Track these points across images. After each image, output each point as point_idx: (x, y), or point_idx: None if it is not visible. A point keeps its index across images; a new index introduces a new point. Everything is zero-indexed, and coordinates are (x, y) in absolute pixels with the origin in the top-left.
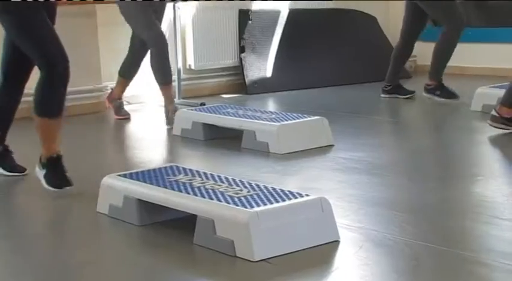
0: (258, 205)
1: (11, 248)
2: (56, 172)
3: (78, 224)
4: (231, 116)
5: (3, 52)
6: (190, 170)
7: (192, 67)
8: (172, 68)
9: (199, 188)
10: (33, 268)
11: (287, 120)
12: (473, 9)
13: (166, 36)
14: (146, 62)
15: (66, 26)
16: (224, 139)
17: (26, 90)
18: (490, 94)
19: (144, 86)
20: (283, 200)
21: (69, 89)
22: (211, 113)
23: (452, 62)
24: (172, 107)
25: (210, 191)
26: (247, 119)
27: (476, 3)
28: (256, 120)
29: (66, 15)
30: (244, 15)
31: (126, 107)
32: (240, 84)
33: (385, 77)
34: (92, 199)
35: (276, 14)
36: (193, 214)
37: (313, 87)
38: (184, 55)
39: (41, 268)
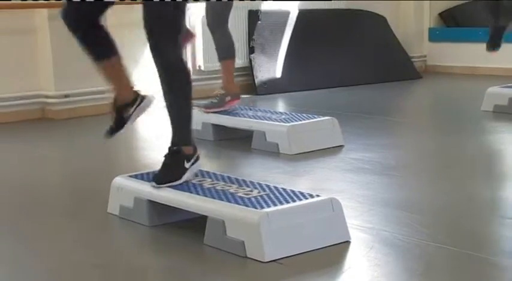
0: (269, 206)
1: (22, 249)
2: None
3: (89, 224)
4: (240, 116)
5: None
6: (201, 171)
7: (202, 68)
8: None
9: (209, 189)
10: (44, 269)
11: (297, 121)
12: (484, 9)
13: None
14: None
15: None
16: (234, 140)
17: (35, 92)
18: (500, 94)
19: (152, 87)
20: (294, 201)
21: (79, 90)
22: (221, 113)
23: (464, 62)
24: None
25: (220, 191)
26: (257, 120)
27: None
28: (266, 121)
29: None
30: (253, 16)
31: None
32: (250, 85)
33: (396, 78)
34: (103, 199)
35: (285, 15)
36: (204, 215)
37: (323, 87)
38: (194, 56)
39: (51, 268)
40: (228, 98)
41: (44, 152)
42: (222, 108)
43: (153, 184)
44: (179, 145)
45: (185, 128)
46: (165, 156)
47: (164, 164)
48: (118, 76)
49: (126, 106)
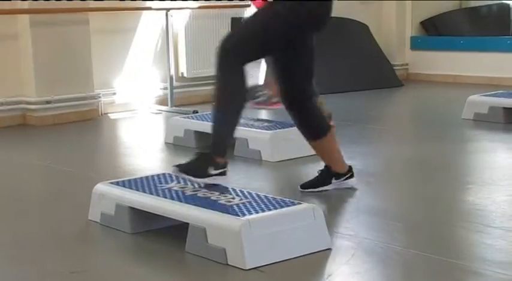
0: (250, 213)
1: (2, 255)
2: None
3: (70, 232)
4: None
5: None
6: (183, 178)
7: (185, 75)
8: (164, 76)
9: (191, 196)
10: (23, 276)
11: (279, 128)
12: (465, 19)
13: (159, 45)
14: (140, 68)
15: (59, 33)
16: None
17: (16, 98)
18: (481, 102)
19: (136, 93)
20: (275, 208)
21: (61, 96)
22: (203, 120)
23: (445, 71)
24: None
25: (202, 199)
26: (239, 127)
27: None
28: (248, 128)
29: (59, 23)
30: (236, 23)
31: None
32: None
33: (378, 85)
34: (84, 206)
35: None
36: (185, 222)
37: None
38: (177, 63)
39: (31, 276)
40: None
41: (25, 158)
42: None
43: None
44: None
45: None
46: None
47: None
48: (328, 153)
49: (338, 175)
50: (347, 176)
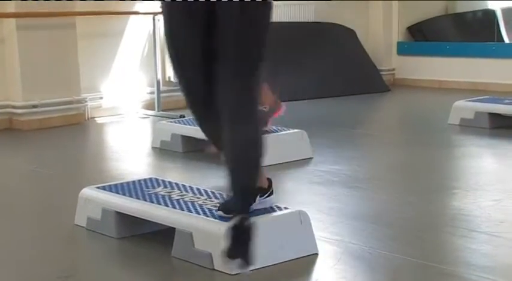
0: None
1: None
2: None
3: (56, 236)
4: None
5: None
6: (169, 182)
7: (172, 79)
8: (151, 80)
9: (178, 200)
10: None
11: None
12: (451, 24)
13: (146, 49)
14: (127, 72)
15: (45, 37)
16: (203, 152)
17: (2, 102)
18: (467, 108)
19: (122, 97)
20: (262, 213)
21: (48, 100)
22: (190, 125)
23: (431, 76)
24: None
25: (188, 203)
26: None
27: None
28: None
29: (46, 27)
30: None
31: (106, 119)
32: None
33: (365, 91)
34: (70, 211)
35: None
36: (172, 227)
37: (293, 100)
38: (164, 67)
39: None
40: None
41: (11, 162)
42: None
43: None
44: None
45: None
46: None
47: None
48: None
49: (262, 190)
50: (270, 191)
